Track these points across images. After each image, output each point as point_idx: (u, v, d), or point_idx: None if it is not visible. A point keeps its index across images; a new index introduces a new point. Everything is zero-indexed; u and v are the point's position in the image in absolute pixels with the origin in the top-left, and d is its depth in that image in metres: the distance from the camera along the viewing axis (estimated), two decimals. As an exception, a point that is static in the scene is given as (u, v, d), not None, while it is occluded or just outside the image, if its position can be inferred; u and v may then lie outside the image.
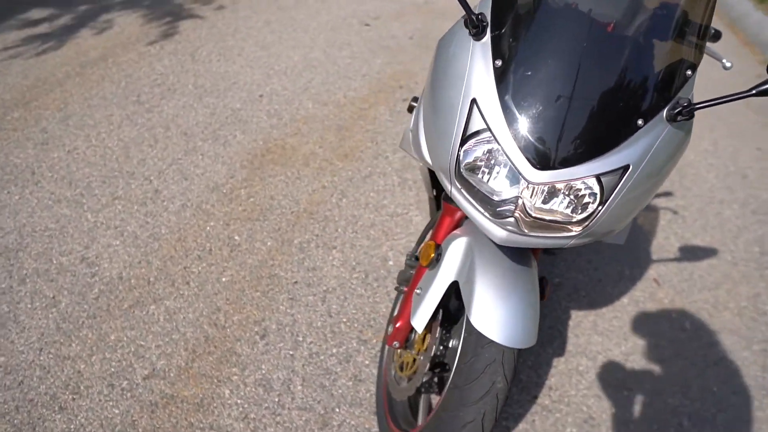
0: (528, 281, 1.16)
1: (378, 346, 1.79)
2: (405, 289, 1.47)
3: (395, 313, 1.44)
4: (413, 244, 2.21)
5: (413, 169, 2.64)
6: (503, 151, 0.95)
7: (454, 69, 1.03)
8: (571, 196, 0.95)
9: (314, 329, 1.84)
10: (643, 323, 1.93)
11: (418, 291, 1.27)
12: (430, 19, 4.46)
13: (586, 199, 0.95)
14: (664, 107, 0.96)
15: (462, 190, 1.02)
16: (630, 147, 0.94)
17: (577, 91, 0.93)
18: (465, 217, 1.28)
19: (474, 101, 0.97)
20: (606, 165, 0.93)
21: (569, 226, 0.98)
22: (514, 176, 0.96)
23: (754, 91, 0.91)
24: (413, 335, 1.38)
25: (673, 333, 1.91)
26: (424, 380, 1.30)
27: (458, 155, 0.99)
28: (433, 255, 1.22)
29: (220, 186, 2.47)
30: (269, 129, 2.90)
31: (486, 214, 1.00)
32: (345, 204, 2.41)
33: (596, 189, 0.94)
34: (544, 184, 0.93)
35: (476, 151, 0.98)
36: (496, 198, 0.98)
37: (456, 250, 1.20)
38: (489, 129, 0.96)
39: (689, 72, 0.98)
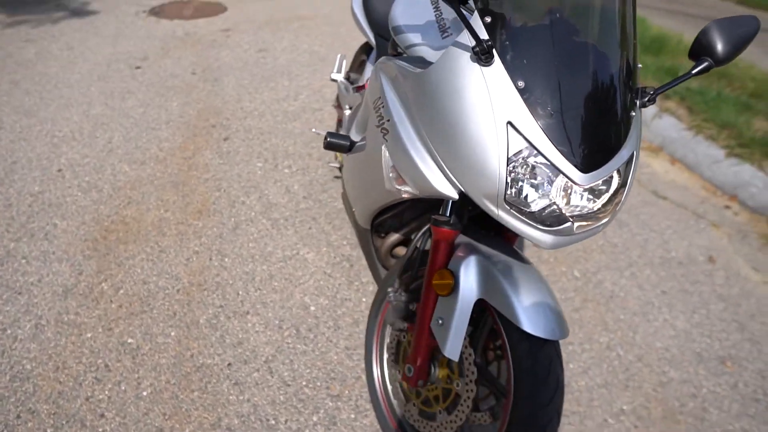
0: (538, 273, 1.25)
1: (355, 393, 1.71)
2: (407, 326, 1.44)
3: (408, 352, 1.40)
4: (322, 283, 2.13)
5: (278, 207, 2.53)
6: (551, 163, 1.00)
7: (468, 97, 1.03)
8: (603, 189, 1.06)
9: (280, 406, 1.67)
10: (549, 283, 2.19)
11: (439, 321, 1.26)
12: (202, 51, 4.23)
13: (613, 188, 1.07)
14: (636, 97, 1.12)
15: (511, 209, 1.04)
16: (631, 136, 1.08)
17: (587, 97, 1.03)
18: (458, 235, 1.30)
19: (510, 123, 1.00)
20: (624, 156, 1.06)
21: (602, 216, 1.08)
22: (560, 184, 1.02)
23: (693, 72, 1.12)
24: (433, 368, 1.37)
25: (572, 283, 2.21)
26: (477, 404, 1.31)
27: (507, 177, 1.02)
28: (452, 282, 1.23)
29: (72, 288, 2.04)
30: (94, 206, 2.47)
31: (539, 226, 1.05)
32: (230, 263, 2.20)
33: (618, 177, 1.07)
34: (591, 184, 1.02)
35: (521, 169, 1.02)
36: (547, 209, 1.04)
37: (470, 269, 1.23)
38: (533, 146, 1.00)
39: (639, 65, 1.15)
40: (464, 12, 1.04)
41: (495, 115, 1.01)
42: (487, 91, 1.02)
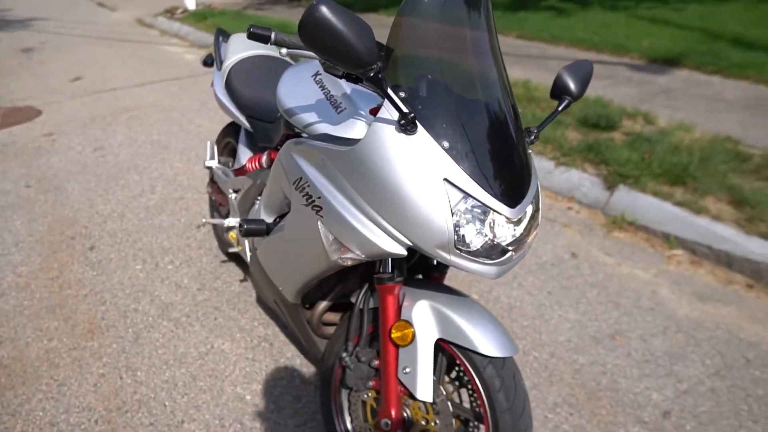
0: (476, 302, 1.42)
1: (320, 470, 1.71)
2: (372, 383, 1.49)
3: (377, 408, 1.46)
4: (248, 369, 2.09)
5: (175, 305, 2.42)
6: (485, 205, 1.17)
7: (405, 165, 1.16)
8: (522, 217, 1.25)
9: (252, 504, 1.61)
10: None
11: (405, 370, 1.36)
12: (29, 161, 3.90)
13: (529, 215, 1.27)
14: (526, 137, 1.35)
15: (461, 253, 1.19)
16: (533, 170, 1.30)
17: (497, 144, 1.22)
18: (402, 286, 1.41)
19: (446, 180, 1.15)
20: (534, 186, 1.27)
21: (528, 239, 1.27)
22: (490, 221, 1.19)
23: (560, 109, 1.39)
24: (406, 414, 1.44)
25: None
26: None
27: (454, 227, 1.16)
28: (412, 331, 1.34)
29: (-36, 457, 1.76)
30: (-43, 358, 2.15)
31: (485, 261, 1.21)
32: (145, 377, 2.06)
33: (532, 206, 1.27)
34: (519, 216, 1.21)
35: (458, 217, 1.17)
36: (489, 246, 1.20)
37: (423, 315, 1.35)
38: (470, 195, 1.16)
39: (519, 109, 1.40)
40: (385, 91, 1.18)
41: (431, 176, 1.16)
42: (419, 156, 1.17)
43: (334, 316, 1.80)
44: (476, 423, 1.43)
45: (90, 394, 1.99)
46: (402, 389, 1.42)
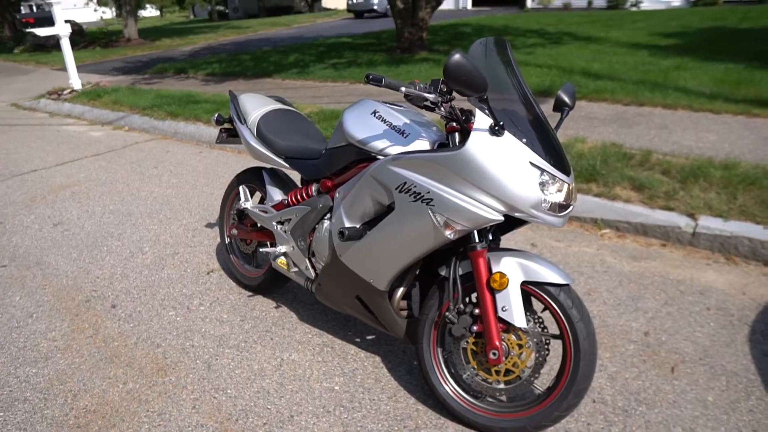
0: (532, 252, 1.97)
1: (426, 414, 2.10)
2: (476, 328, 1.95)
3: (476, 349, 1.94)
4: (325, 369, 2.43)
5: (228, 336, 2.67)
6: (556, 177, 1.74)
7: (504, 156, 1.70)
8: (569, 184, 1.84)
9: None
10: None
11: (504, 308, 1.86)
12: (-12, 244, 3.82)
13: (573, 182, 1.85)
14: None
15: (545, 211, 1.74)
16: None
17: (550, 138, 1.82)
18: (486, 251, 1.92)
19: (530, 162, 1.71)
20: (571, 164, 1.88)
21: (574, 201, 1.85)
22: (556, 186, 1.76)
23: (563, 117, 2.03)
24: (504, 345, 1.92)
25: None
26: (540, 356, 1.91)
27: (544, 193, 1.72)
28: (507, 278, 1.85)
29: (108, 484, 1.91)
30: (33, 416, 2.23)
31: (558, 215, 1.77)
32: (236, 392, 2.31)
33: (573, 176, 1.87)
34: (572, 182, 1.79)
35: (543, 185, 1.73)
36: (558, 204, 1.76)
37: (510, 266, 1.87)
38: (546, 171, 1.72)
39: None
40: (481, 107, 1.74)
41: (521, 161, 1.72)
42: (510, 149, 1.72)
43: (404, 303, 2.24)
44: (542, 350, 1.94)
45: (194, 414, 2.21)
46: (501, 325, 1.91)
